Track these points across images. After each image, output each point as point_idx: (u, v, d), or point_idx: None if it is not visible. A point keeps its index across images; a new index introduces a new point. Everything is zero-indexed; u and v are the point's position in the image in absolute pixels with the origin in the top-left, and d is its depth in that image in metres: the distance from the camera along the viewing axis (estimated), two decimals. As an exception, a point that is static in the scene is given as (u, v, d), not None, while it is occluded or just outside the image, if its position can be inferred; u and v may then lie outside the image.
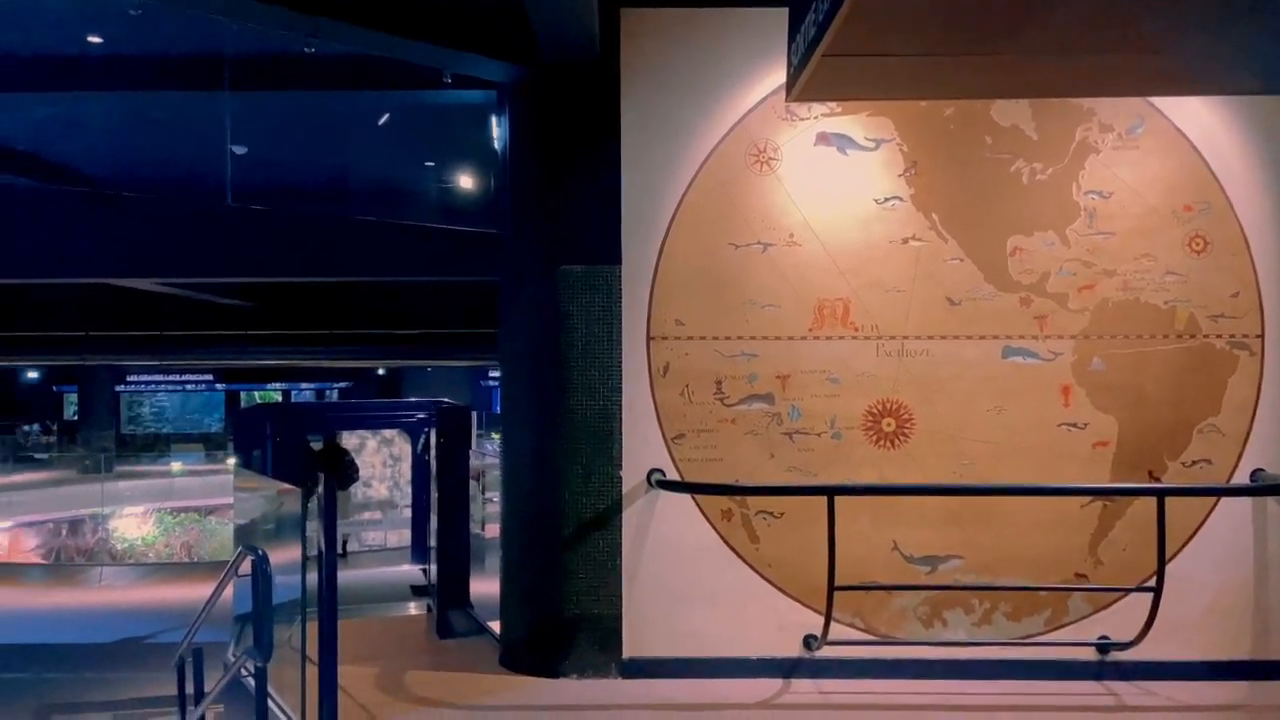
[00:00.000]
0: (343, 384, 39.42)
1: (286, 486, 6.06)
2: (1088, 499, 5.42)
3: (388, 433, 24.49)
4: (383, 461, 24.23)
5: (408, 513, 13.51)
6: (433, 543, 8.20)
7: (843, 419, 5.48)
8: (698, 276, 5.57)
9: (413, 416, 9.15)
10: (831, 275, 5.52)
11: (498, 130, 6.16)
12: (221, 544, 26.66)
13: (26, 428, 33.24)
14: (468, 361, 26.96)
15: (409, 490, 25.02)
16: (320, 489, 4.55)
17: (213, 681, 6.51)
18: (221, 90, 6.29)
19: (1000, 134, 5.46)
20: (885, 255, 5.49)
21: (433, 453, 8.68)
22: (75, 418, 32.51)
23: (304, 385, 38.42)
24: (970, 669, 5.37)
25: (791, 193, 5.54)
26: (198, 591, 13.48)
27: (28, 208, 8.90)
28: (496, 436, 28.64)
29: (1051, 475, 5.38)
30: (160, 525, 26.76)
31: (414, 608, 8.22)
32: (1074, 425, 5.41)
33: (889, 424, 5.46)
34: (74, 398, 32.41)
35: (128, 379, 34.90)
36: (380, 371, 36.57)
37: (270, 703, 4.94)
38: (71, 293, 14.59)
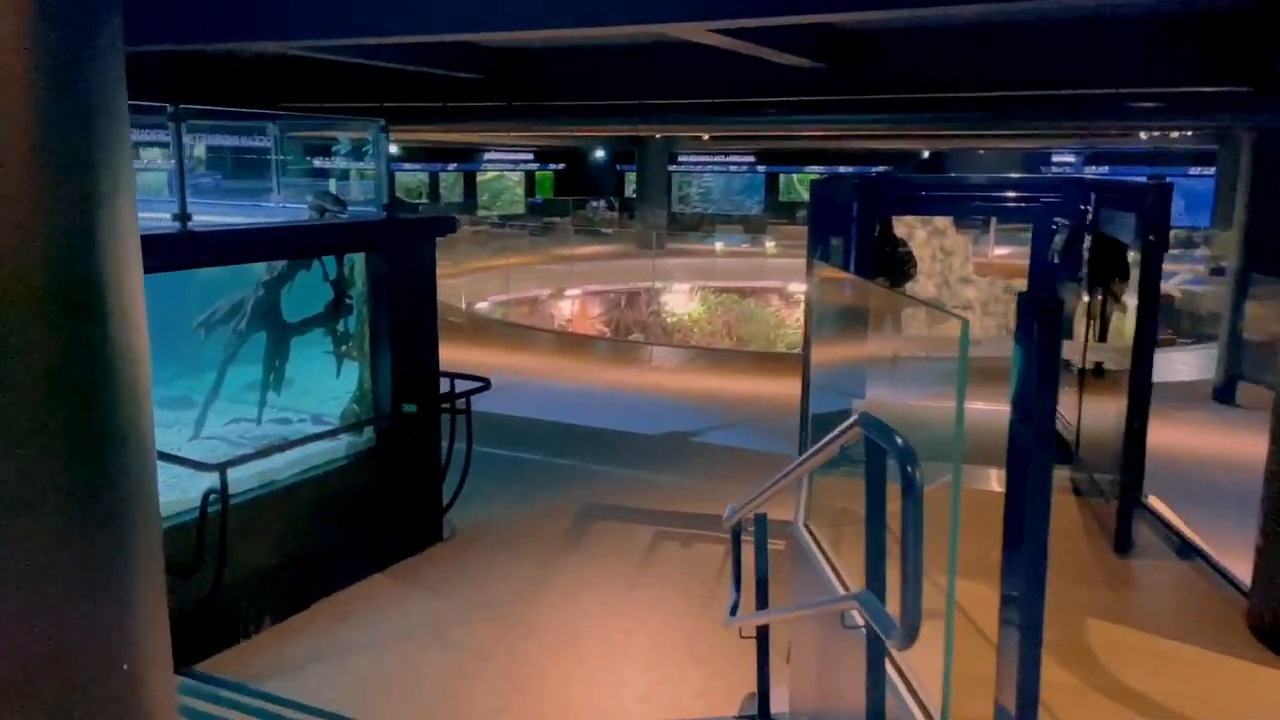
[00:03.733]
0: (879, 168, 36.83)
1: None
2: None
3: (939, 221, 21.66)
4: (931, 255, 21.60)
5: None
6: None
7: None
8: None
9: (1040, 198, 6.34)
10: None
11: None
12: (757, 327, 26.70)
13: (594, 203, 36.15)
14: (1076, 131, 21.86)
15: (959, 290, 21.85)
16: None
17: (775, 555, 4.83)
18: None
19: None
20: None
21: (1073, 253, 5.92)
22: (634, 195, 34.49)
23: (841, 168, 36.54)
24: None
25: None
26: (740, 386, 12.45)
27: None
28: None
29: None
30: (704, 303, 27.43)
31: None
32: None
33: None
34: (633, 176, 34.33)
35: (678, 159, 35.99)
36: (924, 155, 33.22)
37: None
38: (623, 56, 13.67)
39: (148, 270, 4.82)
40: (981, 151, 29.77)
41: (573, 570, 6.79)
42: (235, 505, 5.59)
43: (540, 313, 26.23)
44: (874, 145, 30.06)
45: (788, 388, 12.42)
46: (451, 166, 36.20)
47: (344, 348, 6.70)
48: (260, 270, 6.44)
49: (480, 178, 37.59)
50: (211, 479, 5.17)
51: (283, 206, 7.44)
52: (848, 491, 5.12)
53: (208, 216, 7.54)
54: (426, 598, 6.34)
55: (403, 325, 6.65)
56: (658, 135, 27.77)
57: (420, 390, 6.88)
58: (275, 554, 5.90)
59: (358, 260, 6.55)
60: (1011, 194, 6.52)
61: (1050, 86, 12.22)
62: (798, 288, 28.26)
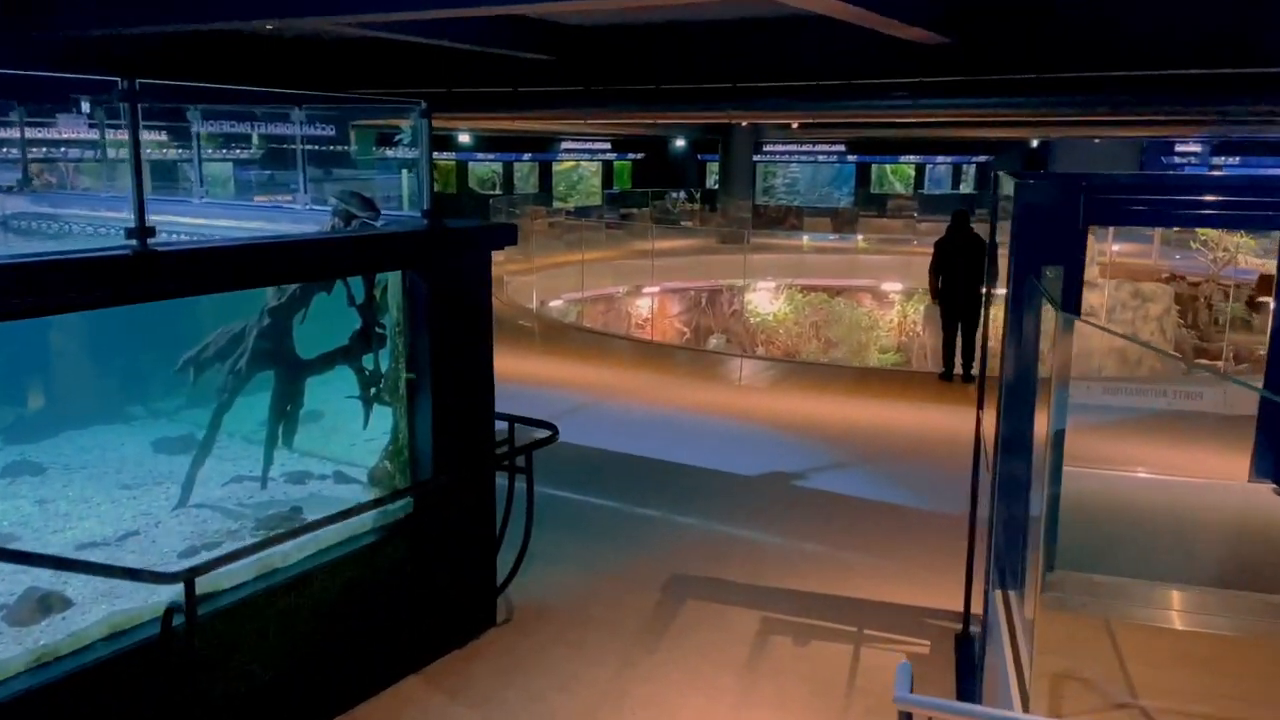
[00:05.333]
0: (981, 158, 34.47)
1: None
2: None
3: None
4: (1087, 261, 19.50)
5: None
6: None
7: None
8: None
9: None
10: None
11: None
12: (847, 330, 24.91)
13: (674, 194, 34.57)
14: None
15: (1083, 295, 19.94)
16: None
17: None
18: None
19: None
20: None
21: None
22: (716, 186, 32.86)
23: (939, 158, 34.30)
24: None
25: None
26: (849, 410, 10.83)
27: None
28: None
29: None
30: (790, 303, 25.77)
31: None
32: None
33: None
34: (715, 166, 32.64)
35: (764, 148, 34.18)
36: (1033, 144, 30.78)
37: None
38: (713, 34, 12.14)
39: (93, 305, 3.46)
40: (1097, 140, 27.33)
41: (658, 678, 5.30)
42: (223, 609, 4.25)
43: (616, 311, 24.83)
44: (980, 133, 27.85)
45: (908, 414, 10.74)
46: (526, 156, 35.03)
47: (374, 390, 5.31)
48: (267, 295, 5.09)
49: (556, 168, 36.35)
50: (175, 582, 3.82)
51: (309, 209, 6.10)
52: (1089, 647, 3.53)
53: (224, 221, 6.25)
54: (469, 719, 4.92)
55: (449, 361, 5.24)
56: (744, 123, 26.09)
57: (472, 443, 5.47)
58: (278, 664, 4.54)
59: (392, 280, 5.15)
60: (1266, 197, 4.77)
61: (1214, 64, 10.26)
62: (892, 286, 26.32)
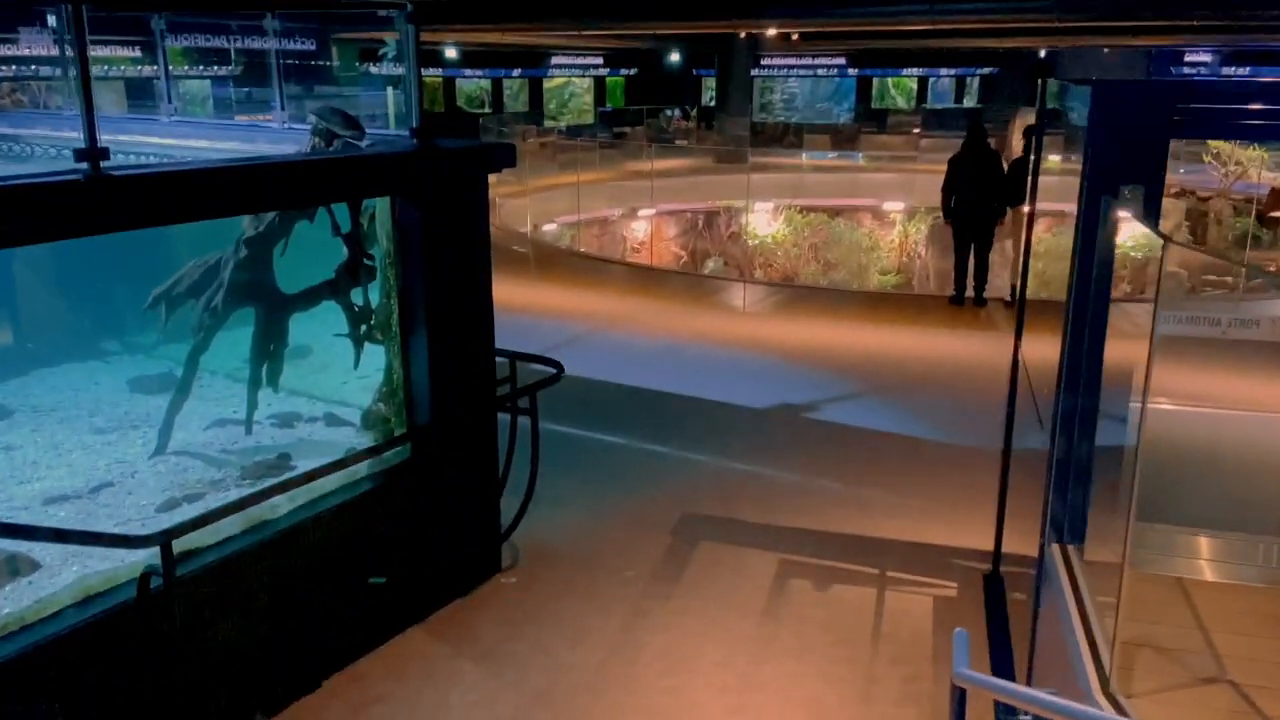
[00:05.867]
0: (986, 69, 33.43)
1: None
2: None
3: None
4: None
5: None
6: None
7: None
8: None
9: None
10: None
11: None
12: (847, 251, 24.42)
13: (668, 112, 33.52)
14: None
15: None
16: None
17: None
18: None
19: None
20: None
21: None
22: (712, 103, 31.89)
23: (943, 70, 33.23)
24: None
25: None
26: (860, 337, 10.46)
27: None
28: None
29: None
30: (789, 224, 25.18)
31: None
32: None
33: None
34: (712, 82, 31.60)
35: (762, 62, 33.06)
36: (1041, 53, 29.73)
37: None
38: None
39: (37, 238, 3.02)
40: (1106, 50, 26.43)
41: (672, 628, 5.03)
42: (208, 565, 3.92)
43: (611, 235, 24.24)
44: (987, 43, 26.89)
45: (920, 341, 10.36)
46: (516, 72, 33.87)
47: (364, 327, 4.90)
48: (242, 224, 4.63)
49: (547, 85, 35.19)
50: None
51: (288, 128, 5.60)
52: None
53: (194, 142, 5.76)
54: (475, 674, 4.64)
55: (445, 294, 4.82)
56: (743, 34, 25.11)
57: (472, 382, 5.09)
58: (270, 622, 4.23)
59: (380, 207, 4.70)
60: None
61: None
62: (893, 206, 25.74)
